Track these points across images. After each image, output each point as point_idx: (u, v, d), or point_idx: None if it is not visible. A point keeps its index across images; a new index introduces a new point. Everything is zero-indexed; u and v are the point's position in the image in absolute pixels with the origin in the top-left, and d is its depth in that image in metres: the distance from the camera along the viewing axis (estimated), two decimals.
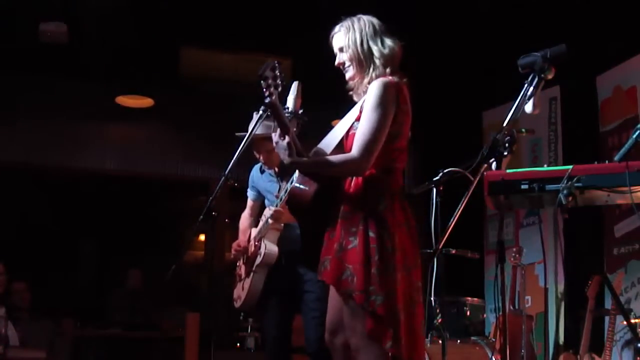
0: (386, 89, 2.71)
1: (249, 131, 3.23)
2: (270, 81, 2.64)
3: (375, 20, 2.88)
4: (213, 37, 6.27)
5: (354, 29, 2.85)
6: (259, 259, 3.95)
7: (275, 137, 2.79)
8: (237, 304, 4.14)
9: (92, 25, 5.97)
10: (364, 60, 2.82)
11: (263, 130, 3.53)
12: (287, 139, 2.74)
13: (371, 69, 2.82)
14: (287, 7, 5.72)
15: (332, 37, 2.93)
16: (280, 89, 2.67)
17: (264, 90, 2.65)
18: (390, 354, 2.64)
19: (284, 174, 3.89)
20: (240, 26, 6.08)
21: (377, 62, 2.81)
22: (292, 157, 2.74)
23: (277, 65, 2.66)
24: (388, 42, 2.84)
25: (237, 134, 3.54)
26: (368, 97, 2.73)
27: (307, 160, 2.78)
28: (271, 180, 4.11)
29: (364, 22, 2.86)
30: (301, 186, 2.82)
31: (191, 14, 5.95)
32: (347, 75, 2.90)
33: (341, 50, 2.89)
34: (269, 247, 3.93)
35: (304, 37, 5.91)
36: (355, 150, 2.68)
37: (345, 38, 2.86)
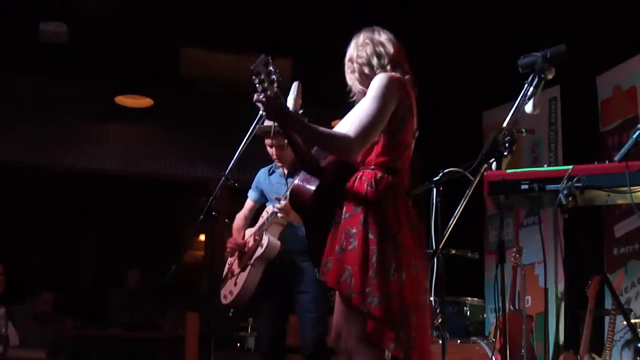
0: (389, 81, 2.70)
1: (252, 126, 3.19)
2: (263, 76, 2.54)
3: (378, 28, 2.91)
4: (213, 37, 6.27)
5: (361, 40, 2.88)
6: (259, 251, 3.91)
7: (259, 96, 2.60)
8: (227, 300, 4.10)
9: (92, 25, 5.97)
10: (366, 69, 2.84)
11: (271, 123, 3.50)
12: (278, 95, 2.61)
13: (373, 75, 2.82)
14: (287, 7, 5.72)
15: (347, 48, 2.95)
16: (275, 84, 2.56)
17: (257, 85, 2.56)
18: (391, 356, 2.63)
19: (294, 173, 3.87)
20: (240, 26, 6.08)
21: (376, 67, 2.83)
22: (287, 110, 2.65)
23: (270, 60, 2.55)
24: (389, 47, 2.85)
25: (260, 126, 3.40)
26: (370, 88, 2.71)
27: (302, 120, 2.70)
28: (279, 182, 4.08)
29: (373, 32, 2.89)
30: (303, 184, 2.80)
31: (191, 14, 5.94)
32: (351, 84, 2.92)
33: (350, 61, 2.92)
34: (272, 240, 3.91)
35: (304, 37, 5.92)
36: (351, 130, 2.62)
37: (352, 50, 2.90)
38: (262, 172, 4.23)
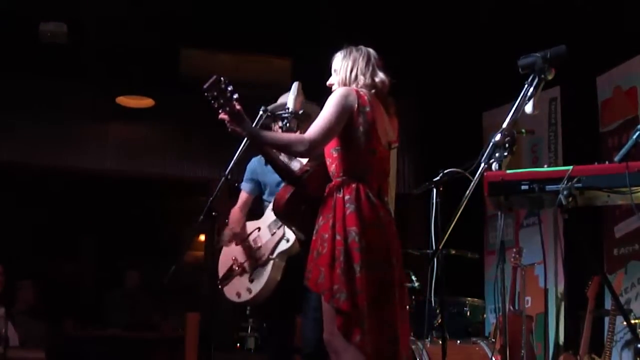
0: (344, 92, 2.98)
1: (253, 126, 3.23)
2: (215, 93, 2.75)
3: (372, 52, 3.13)
4: (213, 37, 6.27)
5: (349, 55, 3.11)
6: (285, 245, 3.73)
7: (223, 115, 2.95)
8: (240, 298, 3.89)
9: (92, 25, 5.97)
10: (348, 83, 3.06)
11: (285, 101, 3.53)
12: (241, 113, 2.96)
13: None
14: (287, 7, 5.72)
15: (333, 59, 3.18)
16: (234, 101, 2.79)
17: (212, 102, 2.79)
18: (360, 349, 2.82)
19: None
20: (240, 26, 6.08)
21: (362, 85, 3.05)
22: (249, 124, 3.01)
23: (221, 79, 2.78)
24: (380, 74, 3.09)
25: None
26: (329, 98, 2.99)
27: (263, 131, 3.10)
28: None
29: (361, 52, 3.12)
30: (281, 193, 3.12)
31: (191, 14, 5.95)
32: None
33: (335, 72, 3.14)
34: (296, 234, 3.79)
35: (304, 37, 5.92)
36: (306, 134, 2.95)
37: (340, 62, 3.12)
38: (256, 162, 4.04)
